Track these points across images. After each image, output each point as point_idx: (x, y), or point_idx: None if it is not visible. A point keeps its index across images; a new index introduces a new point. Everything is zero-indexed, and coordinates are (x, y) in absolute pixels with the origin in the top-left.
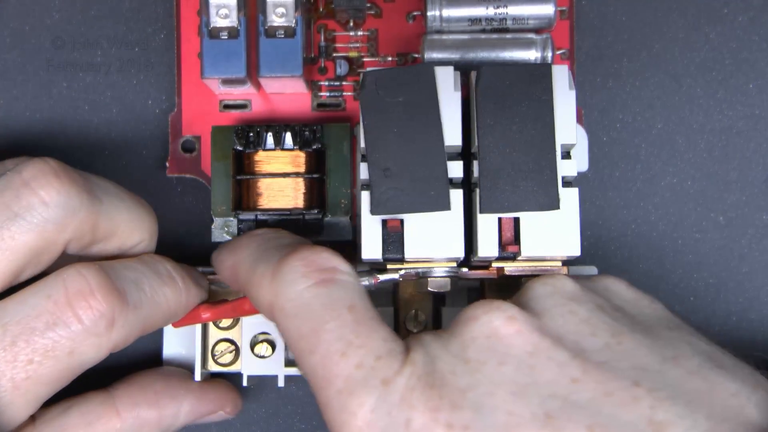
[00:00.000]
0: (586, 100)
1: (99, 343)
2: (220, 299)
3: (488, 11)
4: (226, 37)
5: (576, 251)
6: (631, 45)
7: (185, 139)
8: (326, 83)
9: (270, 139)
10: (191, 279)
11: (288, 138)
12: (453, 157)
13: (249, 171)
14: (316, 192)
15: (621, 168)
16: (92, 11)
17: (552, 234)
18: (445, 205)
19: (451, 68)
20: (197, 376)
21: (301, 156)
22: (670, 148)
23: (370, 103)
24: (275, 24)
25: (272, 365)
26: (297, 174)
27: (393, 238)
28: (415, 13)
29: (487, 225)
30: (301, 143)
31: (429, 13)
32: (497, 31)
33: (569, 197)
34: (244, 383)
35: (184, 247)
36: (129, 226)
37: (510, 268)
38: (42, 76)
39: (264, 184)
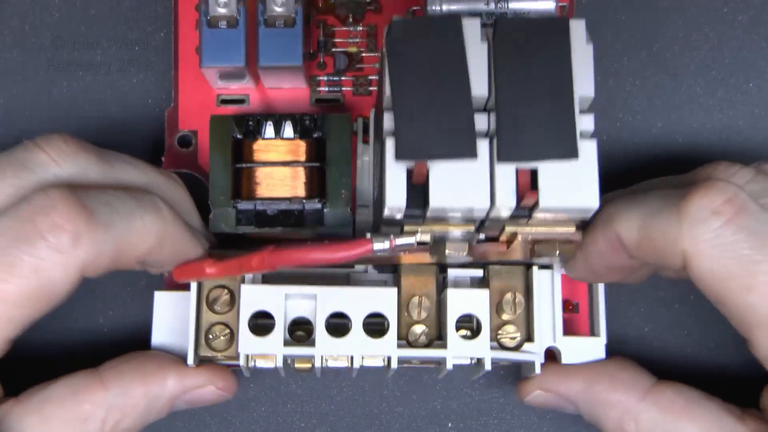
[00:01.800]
0: None
1: (65, 261)
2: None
3: (489, 6)
4: (225, 27)
5: (595, 203)
6: (631, 44)
7: (182, 134)
8: (325, 78)
9: (269, 128)
10: (182, 219)
11: (288, 127)
12: (479, 109)
13: (248, 160)
14: (316, 181)
15: (621, 167)
16: (92, 11)
17: (570, 185)
18: (471, 153)
19: (477, 20)
20: (190, 360)
21: (301, 145)
22: (670, 147)
23: (397, 49)
24: (275, 13)
25: (271, 345)
26: (297, 163)
27: (415, 193)
28: (414, 8)
29: (505, 175)
30: (301, 132)
31: (429, 8)
32: None
33: (588, 148)
34: (241, 362)
35: None
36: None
37: (523, 231)
38: (42, 75)
39: (263, 173)
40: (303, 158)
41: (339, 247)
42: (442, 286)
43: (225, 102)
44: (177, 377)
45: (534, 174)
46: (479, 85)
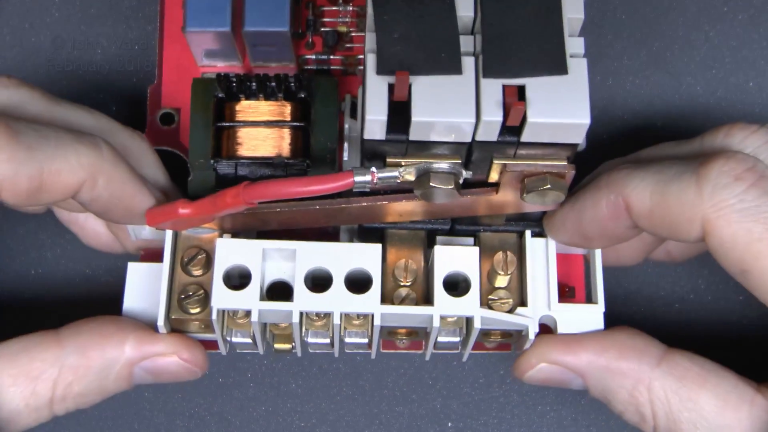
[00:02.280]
0: None
1: None
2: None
3: None
4: None
5: (586, 118)
6: (631, 43)
7: (164, 111)
8: (313, 57)
9: (253, 88)
10: (128, 165)
11: (273, 87)
12: (466, 32)
13: (230, 120)
14: (300, 143)
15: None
16: (92, 10)
17: (560, 100)
18: (456, 69)
19: None
20: (160, 321)
21: (285, 106)
22: None
23: None
24: None
25: (246, 299)
26: (281, 123)
27: (397, 117)
28: None
29: (492, 91)
30: (285, 93)
31: None
32: None
33: (577, 65)
34: (214, 316)
35: None
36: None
37: (512, 164)
38: (42, 75)
39: (245, 133)
40: (288, 119)
41: (320, 179)
42: (429, 253)
43: None
44: (135, 341)
45: (522, 91)
46: (465, 4)
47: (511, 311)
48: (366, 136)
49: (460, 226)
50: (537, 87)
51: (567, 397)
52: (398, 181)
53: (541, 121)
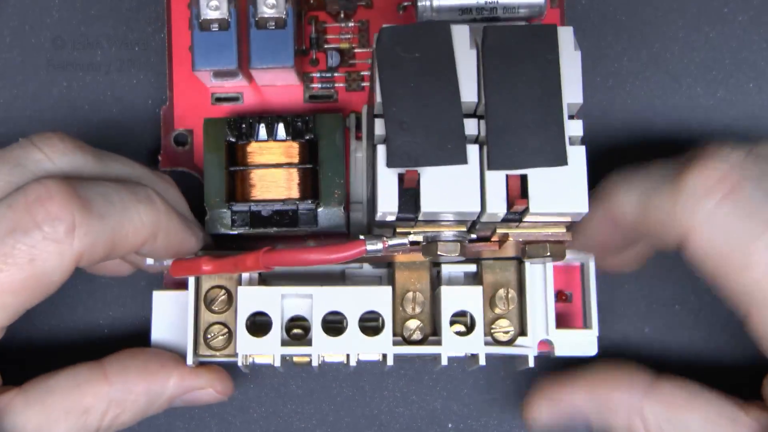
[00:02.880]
0: (586, 99)
1: (60, 250)
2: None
3: (479, 0)
4: (216, 29)
5: (584, 208)
6: (631, 44)
7: (177, 133)
8: (318, 75)
9: (262, 130)
10: (176, 211)
11: (280, 129)
12: (469, 115)
13: (242, 162)
14: (309, 182)
15: (621, 167)
16: (92, 11)
17: (559, 190)
18: (461, 159)
19: (467, 27)
20: (189, 360)
21: (294, 146)
22: (670, 147)
23: (387, 57)
24: (266, 15)
25: (268, 345)
26: (290, 164)
27: (407, 197)
28: (405, 4)
29: (496, 182)
30: (293, 134)
31: (420, 3)
32: (487, 21)
33: (576, 154)
34: (239, 362)
35: None
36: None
37: (514, 233)
38: (42, 76)
39: (257, 175)
40: (296, 160)
41: (333, 249)
42: (436, 281)
43: (219, 100)
44: (179, 377)
45: (524, 179)
46: (469, 91)
47: (512, 340)
48: (378, 218)
49: None
50: (538, 177)
51: None
52: (407, 247)
53: (541, 211)
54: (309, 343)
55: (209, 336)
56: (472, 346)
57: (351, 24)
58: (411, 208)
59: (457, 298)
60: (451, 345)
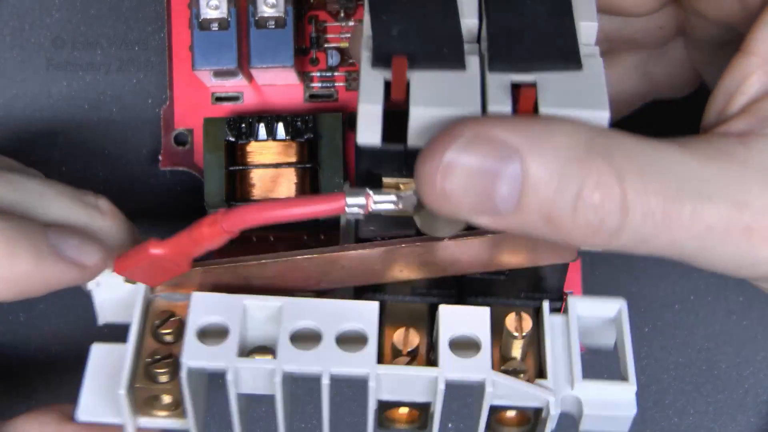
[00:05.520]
0: None
1: None
2: None
3: None
4: (216, 29)
5: (605, 110)
6: None
7: (178, 132)
8: (318, 74)
9: (262, 130)
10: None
11: (280, 128)
12: (470, 39)
13: (242, 162)
14: (309, 182)
15: None
16: (92, 11)
17: (575, 92)
18: (459, 63)
19: None
20: (122, 390)
21: (293, 146)
22: None
23: None
24: (266, 15)
25: (222, 355)
26: (289, 164)
27: (395, 122)
28: None
29: (499, 90)
30: (293, 133)
31: None
32: None
33: (593, 63)
34: (183, 374)
35: None
36: None
37: None
38: (42, 75)
39: (257, 175)
40: (295, 159)
41: (307, 201)
42: (434, 325)
43: (220, 99)
44: None
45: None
46: (470, 9)
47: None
48: (360, 140)
49: (469, 297)
50: (549, 83)
51: None
52: (398, 207)
53: (554, 112)
54: (273, 354)
55: (150, 360)
56: (476, 371)
57: (351, 23)
58: (399, 136)
59: (459, 319)
60: (450, 368)
